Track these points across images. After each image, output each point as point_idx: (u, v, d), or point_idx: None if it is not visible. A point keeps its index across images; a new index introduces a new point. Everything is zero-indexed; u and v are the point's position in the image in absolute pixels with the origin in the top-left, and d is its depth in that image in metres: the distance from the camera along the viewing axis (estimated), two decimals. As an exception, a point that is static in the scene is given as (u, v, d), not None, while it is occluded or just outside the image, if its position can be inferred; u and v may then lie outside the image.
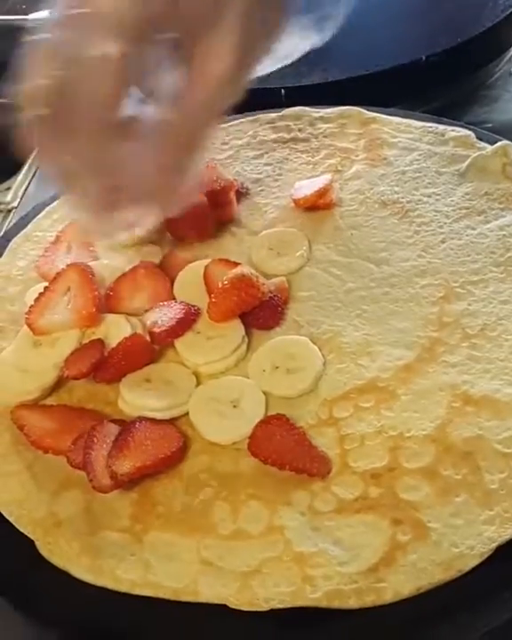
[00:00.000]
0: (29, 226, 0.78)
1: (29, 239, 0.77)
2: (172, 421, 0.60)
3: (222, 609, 0.51)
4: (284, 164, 0.80)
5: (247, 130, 0.83)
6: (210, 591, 0.51)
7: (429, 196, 0.74)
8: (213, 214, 0.73)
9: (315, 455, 0.56)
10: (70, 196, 0.57)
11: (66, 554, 0.54)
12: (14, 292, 0.72)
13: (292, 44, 0.65)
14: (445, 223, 0.72)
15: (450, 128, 0.80)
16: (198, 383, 0.62)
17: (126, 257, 0.70)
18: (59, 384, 0.64)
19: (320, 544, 0.53)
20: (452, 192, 0.74)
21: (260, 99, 0.82)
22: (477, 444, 0.56)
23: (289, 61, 0.68)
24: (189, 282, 0.68)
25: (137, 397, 0.61)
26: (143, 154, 0.53)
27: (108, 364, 0.62)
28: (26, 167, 0.93)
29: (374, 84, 0.89)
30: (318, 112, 0.83)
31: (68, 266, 0.66)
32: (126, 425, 0.58)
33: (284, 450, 0.56)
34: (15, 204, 0.91)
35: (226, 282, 0.64)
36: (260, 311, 0.65)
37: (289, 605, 0.50)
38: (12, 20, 1.00)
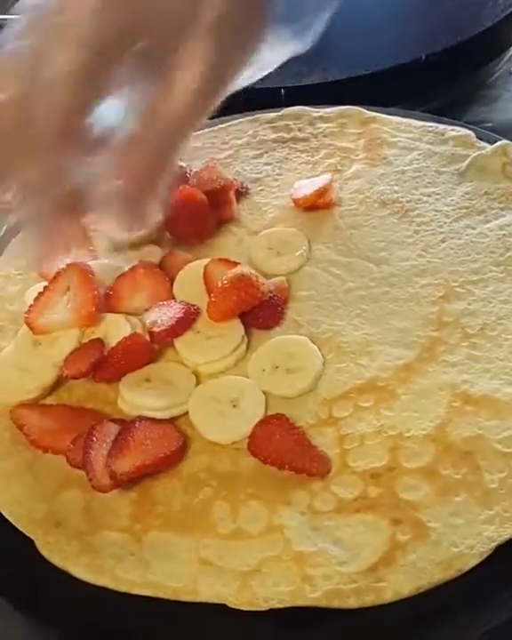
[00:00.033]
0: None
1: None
2: (171, 421, 0.60)
3: (222, 608, 0.51)
4: (283, 164, 0.80)
5: (247, 129, 0.83)
6: (209, 591, 0.51)
7: (429, 196, 0.74)
8: (213, 214, 0.73)
9: (314, 455, 0.56)
10: (23, 215, 0.56)
11: (65, 553, 0.54)
12: (14, 292, 0.72)
13: (273, 54, 0.64)
14: (445, 223, 0.71)
15: (450, 127, 0.80)
16: (198, 383, 0.62)
17: (126, 257, 0.70)
18: (58, 383, 0.64)
19: (320, 543, 0.53)
20: (452, 191, 0.74)
21: (260, 98, 0.83)
22: (477, 443, 0.56)
23: (269, 71, 0.68)
24: (189, 281, 0.68)
25: (136, 397, 0.61)
26: (112, 168, 0.52)
27: (107, 364, 0.62)
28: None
29: (374, 84, 0.89)
30: (318, 112, 0.83)
31: (67, 265, 0.66)
32: (126, 424, 0.58)
33: (284, 449, 0.56)
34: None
35: (225, 281, 0.64)
36: (260, 311, 0.65)
37: (288, 605, 0.50)
38: (12, 20, 1.00)
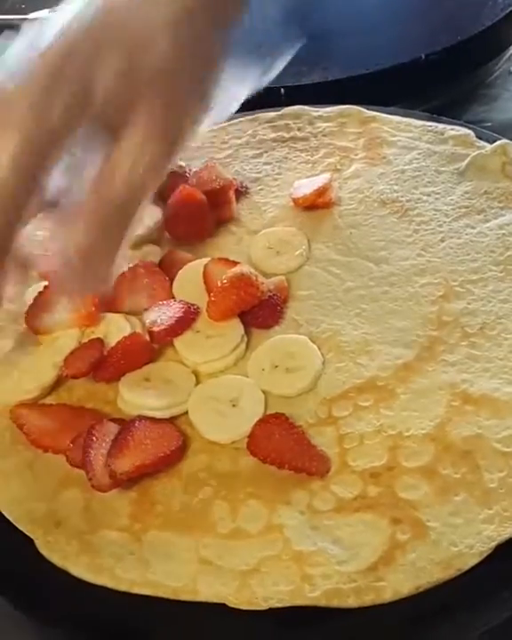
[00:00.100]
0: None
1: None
2: (171, 420, 0.60)
3: (221, 608, 0.51)
4: (283, 163, 0.80)
5: (246, 129, 0.83)
6: (209, 590, 0.51)
7: (429, 195, 0.74)
8: (213, 213, 0.73)
9: (314, 454, 0.56)
10: None
11: (65, 553, 0.54)
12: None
13: (237, 90, 0.64)
14: (445, 222, 0.72)
15: (449, 127, 0.80)
16: (197, 382, 0.62)
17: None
18: (58, 383, 0.64)
19: (319, 543, 0.53)
20: (452, 191, 0.74)
21: (260, 98, 0.82)
22: (476, 442, 0.56)
23: (235, 107, 0.69)
24: (189, 281, 0.68)
25: (136, 396, 0.61)
26: (63, 238, 0.51)
27: (107, 363, 0.62)
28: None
29: (374, 83, 0.89)
30: (318, 111, 0.83)
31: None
32: (125, 424, 0.58)
33: (284, 449, 0.56)
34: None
35: (225, 281, 0.64)
36: (260, 310, 0.65)
37: (288, 604, 0.50)
38: (12, 19, 1.00)
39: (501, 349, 0.61)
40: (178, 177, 0.73)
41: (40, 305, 0.65)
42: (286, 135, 0.82)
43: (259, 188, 0.78)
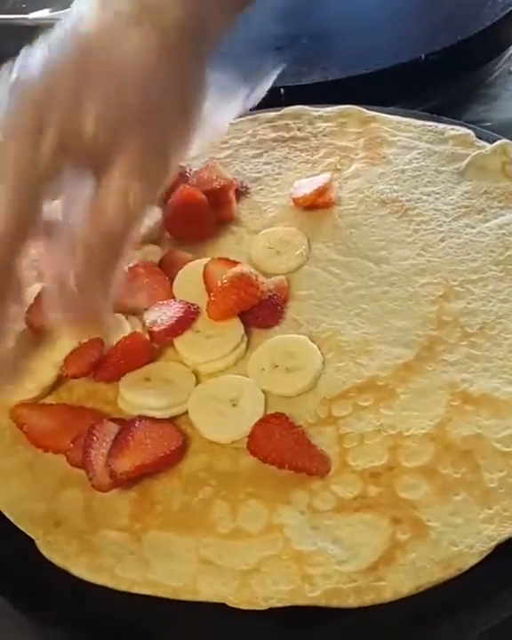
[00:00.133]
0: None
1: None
2: (171, 420, 0.60)
3: (221, 608, 0.51)
4: (283, 163, 0.80)
5: (246, 129, 0.83)
6: (209, 590, 0.51)
7: (429, 195, 0.74)
8: (213, 213, 0.73)
9: (314, 454, 0.56)
10: None
11: (65, 553, 0.54)
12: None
13: (223, 115, 0.65)
14: (445, 222, 0.72)
15: (449, 127, 0.80)
16: (197, 382, 0.62)
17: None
18: (58, 383, 0.64)
19: (319, 543, 0.53)
20: (452, 191, 0.74)
21: (260, 98, 0.83)
22: (476, 442, 0.56)
23: (223, 132, 0.69)
24: (189, 281, 0.68)
25: (136, 396, 0.61)
26: (57, 271, 0.52)
27: (107, 363, 0.62)
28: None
29: (374, 83, 0.89)
30: (318, 111, 0.83)
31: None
32: (126, 424, 0.58)
33: (284, 448, 0.56)
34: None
35: (225, 281, 0.64)
36: (260, 310, 0.65)
37: (288, 604, 0.50)
38: (12, 19, 1.00)
39: (501, 349, 0.61)
40: (178, 177, 0.73)
41: (40, 305, 0.65)
42: (286, 135, 0.82)
43: (259, 187, 0.78)
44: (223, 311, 0.64)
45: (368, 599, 0.50)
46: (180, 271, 0.69)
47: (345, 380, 0.61)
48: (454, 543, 0.52)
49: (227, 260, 0.67)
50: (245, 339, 0.64)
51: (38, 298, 0.65)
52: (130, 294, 0.66)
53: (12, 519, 0.57)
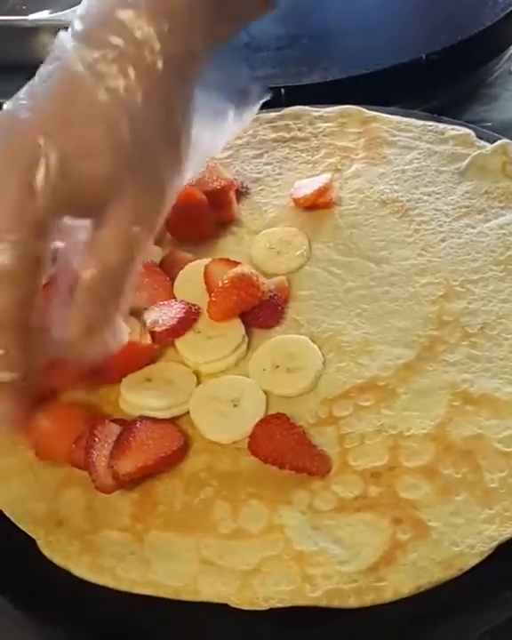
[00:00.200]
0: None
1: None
2: (172, 420, 0.60)
3: (222, 608, 0.51)
4: (283, 164, 0.80)
5: (247, 129, 0.83)
6: (210, 590, 0.52)
7: (429, 195, 0.74)
8: (213, 214, 0.73)
9: (315, 454, 0.56)
10: None
11: (67, 553, 0.54)
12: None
13: (215, 140, 0.66)
14: (445, 222, 0.72)
15: (449, 127, 0.80)
16: (199, 382, 0.62)
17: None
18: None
19: (320, 543, 0.53)
20: (452, 191, 0.74)
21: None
22: (477, 442, 0.56)
23: (216, 153, 0.70)
24: (190, 281, 0.68)
25: (137, 397, 0.61)
26: (60, 314, 0.53)
27: (108, 365, 0.62)
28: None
29: (374, 83, 0.89)
30: (318, 111, 0.83)
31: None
32: (127, 424, 0.58)
33: (284, 449, 0.56)
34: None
35: (226, 281, 0.64)
36: (260, 310, 0.65)
37: (289, 604, 0.50)
38: (12, 20, 1.00)
39: (502, 349, 0.61)
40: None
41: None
42: (287, 135, 0.82)
43: (259, 188, 0.78)
44: (224, 312, 0.64)
45: (369, 599, 0.50)
46: (181, 271, 0.69)
47: (346, 380, 0.61)
48: (455, 543, 0.52)
49: (227, 260, 0.67)
50: (246, 339, 0.64)
51: None
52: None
53: (13, 519, 0.57)
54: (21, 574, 0.55)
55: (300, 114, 0.84)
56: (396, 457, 0.56)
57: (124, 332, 0.56)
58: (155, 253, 0.71)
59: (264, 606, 0.50)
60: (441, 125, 0.80)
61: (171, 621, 0.52)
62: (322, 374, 0.62)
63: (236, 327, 0.64)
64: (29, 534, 0.56)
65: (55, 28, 0.53)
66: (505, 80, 0.96)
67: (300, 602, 0.50)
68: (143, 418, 0.58)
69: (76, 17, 0.53)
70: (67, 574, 0.54)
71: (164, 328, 0.63)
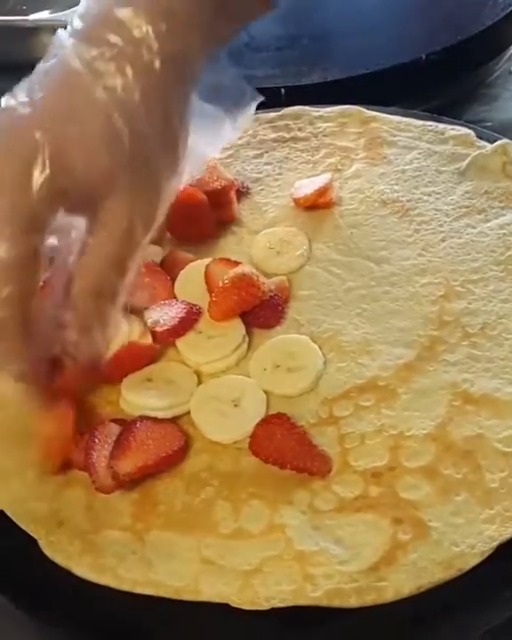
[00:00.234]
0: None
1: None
2: (173, 420, 0.60)
3: (223, 608, 0.51)
4: (284, 164, 0.80)
5: (247, 129, 0.83)
6: (211, 590, 0.52)
7: (429, 195, 0.74)
8: (214, 214, 0.73)
9: (315, 454, 0.56)
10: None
11: (68, 553, 0.54)
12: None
13: (210, 145, 0.66)
14: (445, 222, 0.72)
15: (450, 127, 0.80)
16: (199, 382, 0.62)
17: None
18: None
19: (321, 543, 0.53)
20: (452, 191, 0.74)
21: (260, 98, 0.83)
22: (478, 442, 0.56)
23: (213, 156, 0.70)
24: (190, 281, 0.68)
25: (138, 397, 0.61)
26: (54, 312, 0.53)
27: (108, 365, 0.62)
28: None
29: (374, 83, 0.89)
30: (318, 111, 0.83)
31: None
32: (127, 424, 0.58)
33: (285, 449, 0.56)
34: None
35: (226, 281, 0.64)
36: (261, 310, 0.65)
37: (290, 604, 0.50)
38: (13, 21, 1.00)
39: (502, 349, 0.62)
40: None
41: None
42: (287, 135, 0.82)
43: (260, 188, 0.78)
44: (224, 311, 0.64)
45: (369, 599, 0.50)
46: (182, 271, 0.69)
47: (346, 380, 0.61)
48: (456, 543, 0.52)
49: (228, 260, 0.67)
50: (247, 339, 0.64)
51: None
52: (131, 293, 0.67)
53: (14, 519, 0.57)
54: (22, 574, 0.55)
55: (299, 114, 0.84)
56: (397, 457, 0.56)
57: (121, 330, 0.56)
58: (155, 253, 0.71)
59: (265, 606, 0.50)
60: (441, 125, 0.80)
61: (172, 621, 0.52)
62: (322, 374, 0.62)
63: (237, 327, 0.64)
64: (30, 534, 0.56)
65: (55, 29, 0.53)
66: (505, 80, 0.96)
67: (301, 602, 0.50)
68: (143, 418, 0.58)
69: (75, 15, 0.53)
70: (68, 574, 0.54)
71: (165, 328, 0.63)
